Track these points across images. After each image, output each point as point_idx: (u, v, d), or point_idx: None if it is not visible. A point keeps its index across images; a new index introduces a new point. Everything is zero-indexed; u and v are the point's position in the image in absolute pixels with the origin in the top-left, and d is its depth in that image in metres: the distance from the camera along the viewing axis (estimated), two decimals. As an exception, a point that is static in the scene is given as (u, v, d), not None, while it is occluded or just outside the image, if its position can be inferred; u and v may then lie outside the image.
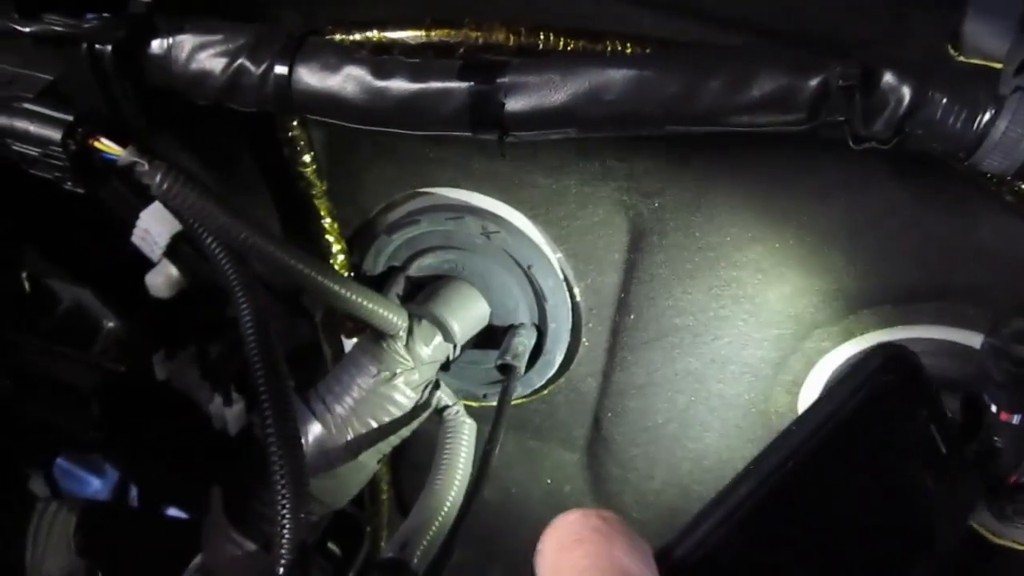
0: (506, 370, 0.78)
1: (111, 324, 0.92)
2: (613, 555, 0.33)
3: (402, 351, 0.74)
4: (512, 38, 0.58)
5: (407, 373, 0.74)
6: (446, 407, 0.81)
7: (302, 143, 0.71)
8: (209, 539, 0.78)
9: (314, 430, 0.73)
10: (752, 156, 0.63)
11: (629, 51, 0.57)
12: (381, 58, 0.56)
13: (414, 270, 0.82)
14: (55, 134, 0.54)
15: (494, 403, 0.77)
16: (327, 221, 0.77)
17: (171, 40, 0.57)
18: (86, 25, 0.55)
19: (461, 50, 0.60)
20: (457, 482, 0.77)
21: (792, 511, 0.37)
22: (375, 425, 0.74)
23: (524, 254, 0.75)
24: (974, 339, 0.63)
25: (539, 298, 0.77)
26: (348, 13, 0.62)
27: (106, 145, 0.55)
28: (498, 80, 0.53)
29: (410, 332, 0.74)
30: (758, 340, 0.71)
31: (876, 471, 0.39)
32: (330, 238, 0.79)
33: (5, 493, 1.01)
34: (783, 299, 0.69)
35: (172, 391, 0.93)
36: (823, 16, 0.56)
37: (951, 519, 0.41)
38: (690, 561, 0.36)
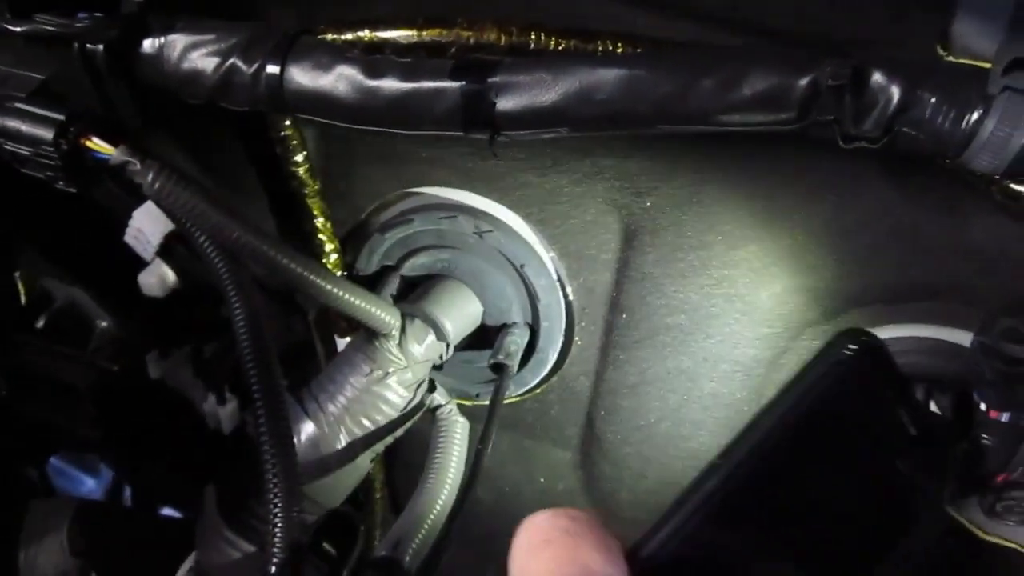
0: (499, 369, 0.78)
1: (105, 323, 0.92)
2: (580, 556, 0.33)
3: (395, 350, 0.74)
4: (504, 37, 0.59)
5: (400, 372, 0.74)
6: (439, 406, 0.81)
7: (295, 142, 0.71)
8: (203, 538, 0.78)
9: (307, 429, 0.73)
10: (743, 155, 0.64)
11: (621, 51, 0.57)
12: (373, 57, 0.56)
13: (407, 269, 0.82)
14: (47, 133, 0.54)
15: (487, 402, 0.77)
16: (320, 220, 0.77)
17: (163, 39, 0.57)
18: (78, 24, 0.55)
19: (453, 49, 0.60)
20: (450, 481, 0.77)
21: (761, 501, 0.37)
22: (368, 424, 0.74)
23: (517, 253, 0.75)
24: (964, 337, 0.64)
25: (532, 297, 0.77)
26: (340, 12, 0.62)
27: (98, 144, 0.55)
28: (490, 80, 0.53)
29: (403, 331, 0.75)
30: (750, 339, 0.71)
31: (845, 457, 0.39)
32: (323, 237, 0.79)
33: (0, 492, 1.01)
34: (775, 298, 0.69)
35: (166, 390, 0.93)
36: (816, 16, 0.57)
37: (924, 500, 0.41)
38: (661, 557, 0.36)
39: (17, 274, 0.89)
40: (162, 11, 0.58)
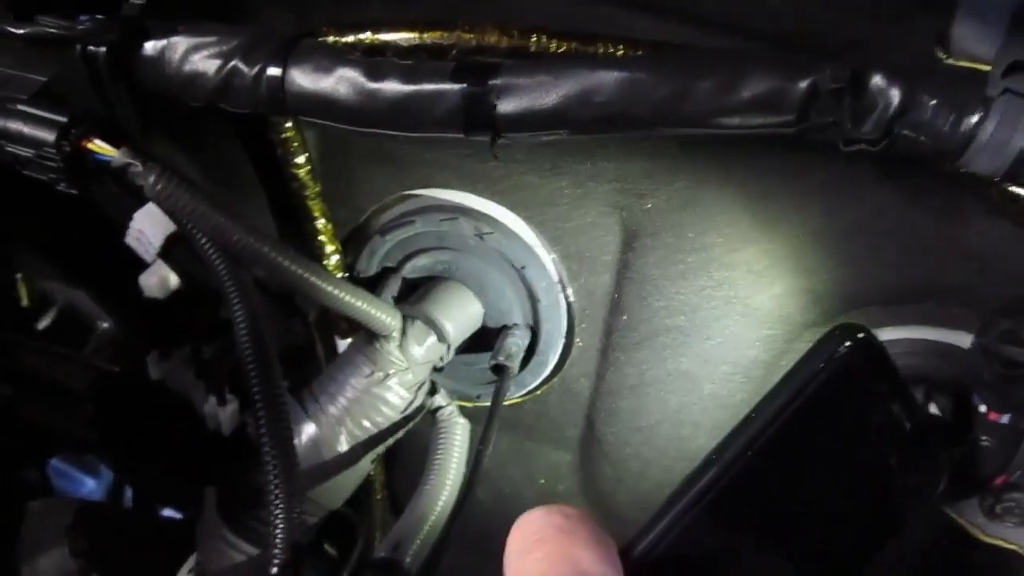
0: (499, 370, 0.78)
1: (105, 324, 0.92)
2: (573, 554, 0.32)
3: (396, 351, 0.74)
4: (504, 40, 0.59)
5: (400, 373, 0.74)
6: (439, 407, 0.81)
7: (295, 144, 0.71)
8: (203, 540, 0.78)
9: (308, 430, 0.74)
10: (743, 158, 0.64)
11: (621, 53, 0.58)
12: (374, 60, 0.56)
13: (408, 271, 0.82)
14: (49, 136, 0.54)
15: (487, 403, 0.77)
16: (321, 222, 0.77)
17: (164, 42, 0.57)
18: (80, 27, 0.55)
19: (454, 52, 0.60)
20: (450, 482, 0.77)
21: (756, 496, 0.37)
22: (369, 425, 0.74)
23: (517, 255, 0.75)
24: (963, 340, 0.64)
25: (532, 299, 0.78)
26: (341, 15, 0.62)
27: (100, 147, 0.56)
28: (490, 82, 0.53)
29: (404, 333, 0.75)
30: (749, 341, 0.71)
31: (839, 453, 0.39)
32: (323, 239, 0.79)
33: (0, 493, 1.01)
34: (774, 300, 0.69)
35: (166, 391, 0.93)
36: (814, 19, 0.57)
37: (918, 495, 0.41)
38: (655, 553, 0.35)
39: (18, 275, 0.89)
40: (163, 14, 0.58)
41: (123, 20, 0.56)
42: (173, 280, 0.78)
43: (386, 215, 0.80)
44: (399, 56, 0.59)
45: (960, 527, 0.72)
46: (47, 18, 0.55)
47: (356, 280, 0.83)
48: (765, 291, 0.69)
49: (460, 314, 0.78)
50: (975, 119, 0.47)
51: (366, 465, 0.77)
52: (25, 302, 0.90)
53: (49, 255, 0.88)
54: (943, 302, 0.64)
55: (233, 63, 0.56)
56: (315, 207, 0.76)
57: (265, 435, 0.59)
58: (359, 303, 0.69)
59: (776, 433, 0.37)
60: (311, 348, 0.92)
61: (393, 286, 0.81)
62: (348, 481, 0.77)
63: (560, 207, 0.72)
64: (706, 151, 0.64)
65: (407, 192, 0.77)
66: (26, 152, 0.55)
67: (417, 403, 0.77)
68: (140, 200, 0.72)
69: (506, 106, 0.53)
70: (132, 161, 0.56)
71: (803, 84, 0.48)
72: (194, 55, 0.57)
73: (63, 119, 0.54)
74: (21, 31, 0.55)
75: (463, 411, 0.82)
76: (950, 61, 0.51)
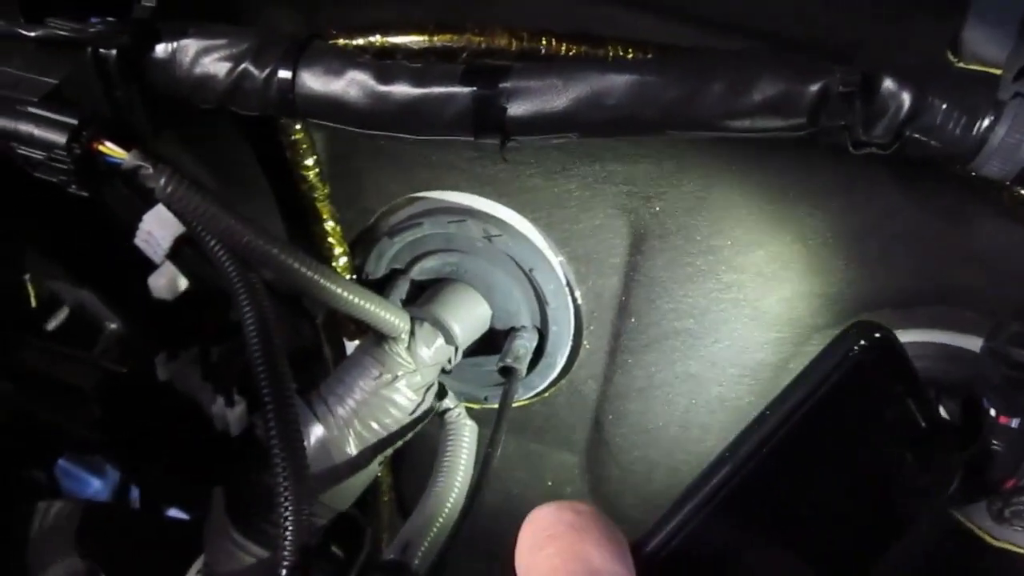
0: (507, 373, 0.78)
1: (113, 325, 0.92)
2: (584, 551, 0.32)
3: (404, 353, 0.74)
4: (514, 43, 0.59)
5: (409, 375, 0.74)
6: (447, 409, 0.81)
7: (305, 147, 0.71)
8: (211, 541, 0.78)
9: (316, 432, 0.74)
10: (752, 160, 0.64)
11: (630, 56, 0.58)
12: (384, 62, 0.56)
13: (416, 273, 0.82)
14: (59, 138, 0.54)
15: (495, 405, 0.77)
16: (329, 224, 0.77)
17: (175, 44, 0.57)
18: (91, 29, 0.55)
19: (464, 55, 0.60)
20: (458, 484, 0.77)
21: (768, 496, 0.37)
22: (377, 427, 0.74)
23: (526, 257, 0.75)
24: (973, 343, 0.64)
25: (540, 301, 0.78)
26: (351, 18, 0.63)
27: (110, 149, 0.56)
28: (500, 85, 0.53)
29: (412, 334, 0.75)
30: (758, 343, 0.71)
31: (853, 452, 0.39)
32: (332, 241, 0.79)
33: (7, 494, 1.01)
34: (783, 303, 0.69)
35: (174, 392, 0.94)
36: (823, 21, 0.57)
37: (931, 494, 0.41)
38: (667, 551, 0.35)
39: (27, 276, 0.89)
40: (174, 16, 0.58)
41: (134, 23, 0.56)
42: (182, 282, 0.78)
43: (394, 217, 0.80)
44: (409, 59, 0.59)
45: (968, 531, 0.72)
46: (58, 20, 0.55)
47: (364, 282, 0.83)
48: (774, 294, 0.69)
49: (468, 316, 0.78)
50: (986, 123, 0.47)
51: (374, 467, 0.77)
52: (33, 303, 0.90)
53: (58, 256, 0.89)
54: (953, 305, 0.64)
55: (243, 65, 0.56)
56: (324, 209, 0.76)
57: (274, 437, 0.59)
58: (367, 305, 0.69)
59: (790, 431, 0.37)
60: (319, 350, 0.92)
61: (401, 288, 0.81)
62: (356, 483, 0.77)
63: (568, 209, 0.72)
64: (715, 154, 0.64)
65: (415, 194, 0.77)
66: (37, 154, 0.55)
67: (425, 405, 0.77)
68: (149, 202, 0.72)
69: (516, 109, 0.53)
70: (143, 163, 0.56)
71: (814, 87, 0.48)
72: (205, 57, 0.57)
73: (74, 121, 0.54)
74: (32, 33, 0.55)
75: (471, 413, 0.82)
76: (961, 64, 0.51)
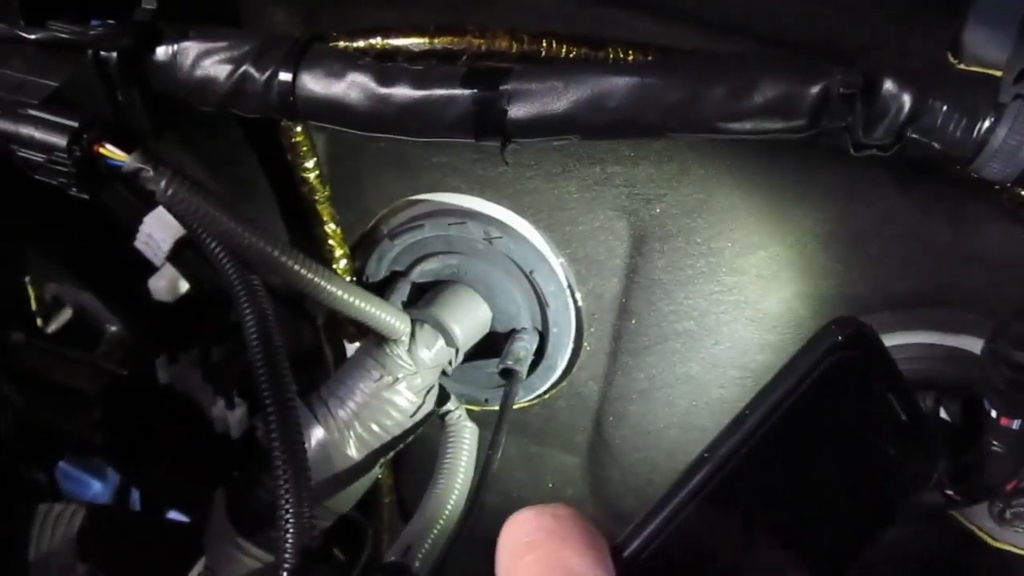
0: (508, 374, 0.78)
1: (114, 328, 0.92)
2: (565, 558, 0.32)
3: (404, 355, 0.74)
4: (515, 45, 0.59)
5: (409, 377, 0.74)
6: (448, 411, 0.81)
7: (305, 149, 0.71)
8: (212, 543, 0.78)
9: (317, 434, 0.74)
10: (753, 163, 0.64)
11: (631, 58, 0.58)
12: (385, 65, 0.56)
13: (416, 275, 0.82)
14: (60, 140, 0.54)
15: (496, 407, 0.77)
16: (330, 226, 0.77)
17: (176, 47, 0.57)
18: (92, 32, 0.55)
19: (464, 57, 0.60)
20: (459, 486, 0.77)
21: (749, 495, 0.37)
22: (377, 429, 0.74)
23: (526, 259, 0.75)
24: (974, 345, 0.64)
25: (541, 303, 0.78)
26: (352, 20, 0.63)
27: (111, 151, 0.56)
28: (501, 87, 0.53)
29: (412, 336, 0.75)
30: (759, 345, 0.71)
31: (835, 448, 0.38)
32: (333, 243, 0.79)
33: (8, 496, 1.01)
34: (784, 304, 0.69)
35: (174, 394, 0.94)
36: (824, 23, 0.57)
37: (912, 484, 0.41)
38: (647, 553, 0.35)
39: (27, 278, 0.89)
40: (174, 19, 0.58)
41: (135, 25, 0.56)
42: (182, 284, 0.78)
43: (395, 219, 0.80)
44: (410, 61, 0.59)
45: (969, 532, 0.72)
46: (59, 23, 0.55)
47: (365, 284, 0.83)
48: (775, 296, 0.69)
49: (469, 318, 0.78)
50: (987, 125, 0.47)
51: (375, 469, 0.77)
52: (34, 305, 0.91)
53: (59, 258, 0.89)
54: (954, 307, 0.64)
55: (244, 68, 0.56)
56: (324, 211, 0.76)
57: (275, 439, 0.59)
58: (368, 307, 0.69)
59: (771, 429, 0.37)
60: (319, 352, 0.92)
61: (402, 290, 0.81)
62: (357, 485, 0.77)
63: (569, 211, 0.72)
64: (716, 156, 0.64)
65: (416, 196, 0.77)
66: (38, 157, 0.55)
67: (426, 407, 0.77)
68: (150, 204, 0.72)
69: (517, 111, 0.53)
70: (143, 166, 0.56)
71: (815, 89, 0.48)
72: (205, 60, 0.57)
73: (75, 124, 0.54)
74: (33, 36, 0.56)
75: (471, 415, 0.82)
76: (961, 66, 0.51)
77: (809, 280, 0.67)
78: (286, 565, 0.57)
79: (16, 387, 0.89)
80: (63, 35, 0.55)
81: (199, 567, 0.79)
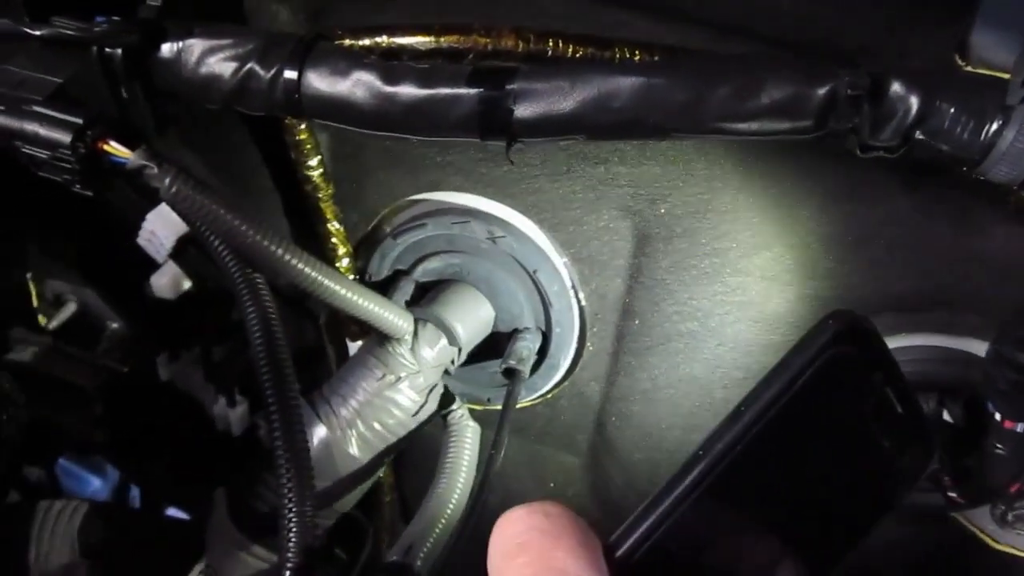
0: (511, 374, 0.78)
1: (115, 325, 0.92)
2: (557, 559, 0.32)
3: (407, 354, 0.74)
4: (521, 44, 0.59)
5: (411, 376, 0.74)
6: (450, 411, 0.81)
7: (309, 147, 0.71)
8: (213, 542, 0.78)
9: (319, 433, 0.73)
10: (758, 163, 0.64)
11: (637, 58, 0.57)
12: (390, 63, 0.56)
13: (419, 274, 0.82)
14: (64, 137, 0.54)
15: (498, 407, 0.77)
16: (333, 225, 0.77)
17: (181, 44, 0.57)
18: (96, 28, 0.55)
19: (470, 56, 0.60)
20: (461, 486, 0.77)
21: (744, 491, 0.36)
22: (380, 428, 0.74)
23: (530, 259, 0.75)
24: (978, 347, 0.64)
25: (544, 302, 0.77)
26: (357, 18, 0.62)
27: (115, 148, 0.55)
28: (507, 86, 0.53)
29: (415, 335, 0.75)
30: (762, 346, 0.71)
31: (831, 442, 0.38)
32: (336, 241, 0.79)
33: (7, 493, 1.01)
34: (787, 306, 0.69)
35: (176, 392, 0.94)
36: (830, 25, 0.57)
37: (908, 477, 0.40)
38: (641, 551, 0.35)
39: (29, 275, 0.89)
40: (179, 16, 0.58)
41: (140, 22, 0.56)
42: (184, 281, 0.78)
43: (398, 218, 0.80)
44: (415, 60, 0.59)
45: (971, 534, 0.72)
46: (63, 19, 0.55)
47: (368, 283, 0.83)
48: (778, 297, 0.69)
49: (471, 317, 0.78)
50: (995, 127, 0.47)
51: (377, 468, 0.77)
52: (35, 302, 0.90)
53: (60, 255, 0.89)
54: (958, 309, 0.64)
55: (249, 66, 0.56)
56: (328, 210, 0.76)
57: (278, 438, 0.59)
58: (371, 306, 0.69)
59: (767, 424, 0.36)
60: (322, 350, 0.92)
61: (405, 289, 0.81)
62: (359, 484, 0.77)
63: (573, 211, 0.72)
64: (721, 156, 0.64)
65: (419, 195, 0.77)
66: (41, 153, 0.55)
67: (428, 406, 0.77)
68: (153, 201, 0.72)
69: (523, 111, 0.53)
70: (147, 163, 0.55)
71: (822, 90, 0.48)
72: (210, 57, 0.56)
73: (79, 121, 0.54)
74: (37, 32, 0.55)
75: (473, 414, 0.82)
76: (969, 68, 0.51)
77: (813, 281, 0.67)
78: (289, 564, 0.57)
79: (17, 384, 0.89)
80: (67, 31, 0.55)
81: (200, 566, 0.79)
